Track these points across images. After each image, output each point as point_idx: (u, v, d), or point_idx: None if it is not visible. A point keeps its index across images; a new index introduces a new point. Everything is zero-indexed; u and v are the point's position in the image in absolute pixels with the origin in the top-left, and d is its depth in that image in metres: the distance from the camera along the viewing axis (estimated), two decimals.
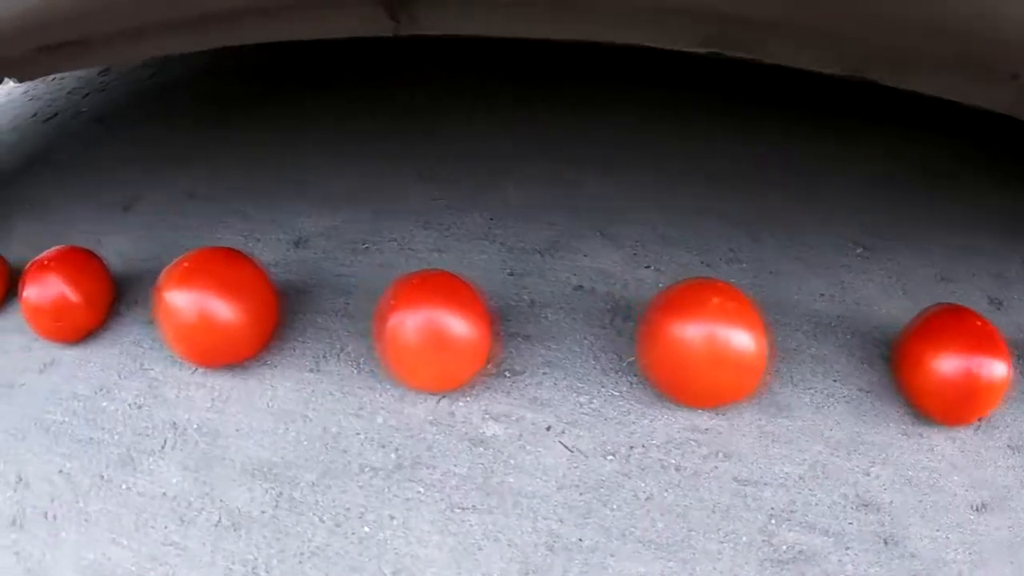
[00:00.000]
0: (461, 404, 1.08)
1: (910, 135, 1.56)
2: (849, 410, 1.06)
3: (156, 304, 1.11)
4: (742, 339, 0.97)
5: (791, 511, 0.97)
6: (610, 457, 1.03)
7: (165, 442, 1.10)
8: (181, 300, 1.09)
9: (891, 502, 0.98)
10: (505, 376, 1.10)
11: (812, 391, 1.08)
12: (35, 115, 2.12)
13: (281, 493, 1.02)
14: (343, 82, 1.83)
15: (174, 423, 1.12)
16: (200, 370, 1.14)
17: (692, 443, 1.03)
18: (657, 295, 1.08)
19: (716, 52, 0.91)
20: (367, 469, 1.03)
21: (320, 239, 1.33)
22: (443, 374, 1.06)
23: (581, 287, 1.22)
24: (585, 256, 1.28)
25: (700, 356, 0.98)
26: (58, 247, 1.28)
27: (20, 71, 1.30)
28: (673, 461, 1.02)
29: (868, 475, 1.00)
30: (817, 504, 0.97)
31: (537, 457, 1.03)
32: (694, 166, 1.42)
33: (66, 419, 1.15)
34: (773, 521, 0.96)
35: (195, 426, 1.11)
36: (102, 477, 1.08)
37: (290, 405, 1.11)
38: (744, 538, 0.95)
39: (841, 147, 1.53)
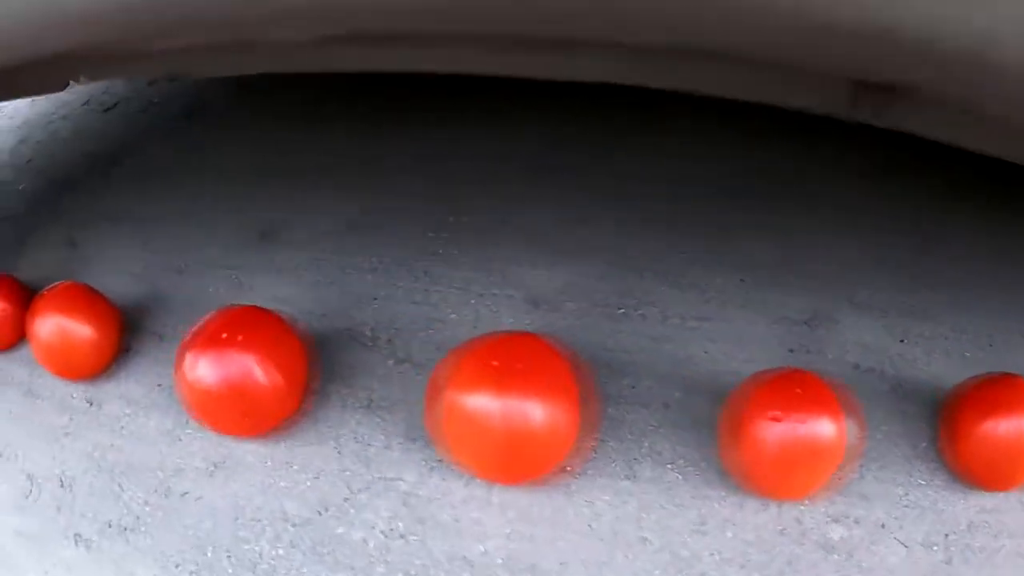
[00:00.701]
0: (802, 508, 0.97)
1: None
2: None
3: (435, 407, 0.83)
4: None
5: None
6: (934, 548, 1.00)
7: None
8: (487, 406, 0.81)
9: None
10: None
11: None
12: (87, 103, 1.77)
13: None
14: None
15: (466, 558, 0.85)
16: (471, 480, 0.88)
17: (985, 525, 1.04)
18: (958, 388, 1.05)
19: None
20: None
21: (561, 299, 1.10)
22: (808, 481, 0.95)
23: (857, 366, 1.15)
24: (842, 326, 1.19)
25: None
26: (228, 308, 0.95)
27: (96, 71, 0.94)
28: (977, 544, 1.02)
29: None
30: None
31: (882, 558, 0.97)
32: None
33: (278, 553, 0.84)
34: None
35: (499, 561, 0.86)
36: None
37: (620, 525, 0.91)
38: None
39: None
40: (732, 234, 1.26)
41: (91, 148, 1.58)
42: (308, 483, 0.89)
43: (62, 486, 0.99)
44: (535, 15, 0.57)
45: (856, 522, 0.99)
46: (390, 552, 0.82)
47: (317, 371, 0.94)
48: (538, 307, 1.08)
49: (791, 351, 1.13)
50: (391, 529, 0.84)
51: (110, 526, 0.92)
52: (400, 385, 0.95)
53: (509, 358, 0.84)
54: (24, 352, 1.19)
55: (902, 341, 1.16)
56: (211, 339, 0.87)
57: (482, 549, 0.85)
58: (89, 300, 1.03)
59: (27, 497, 1.00)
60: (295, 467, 0.91)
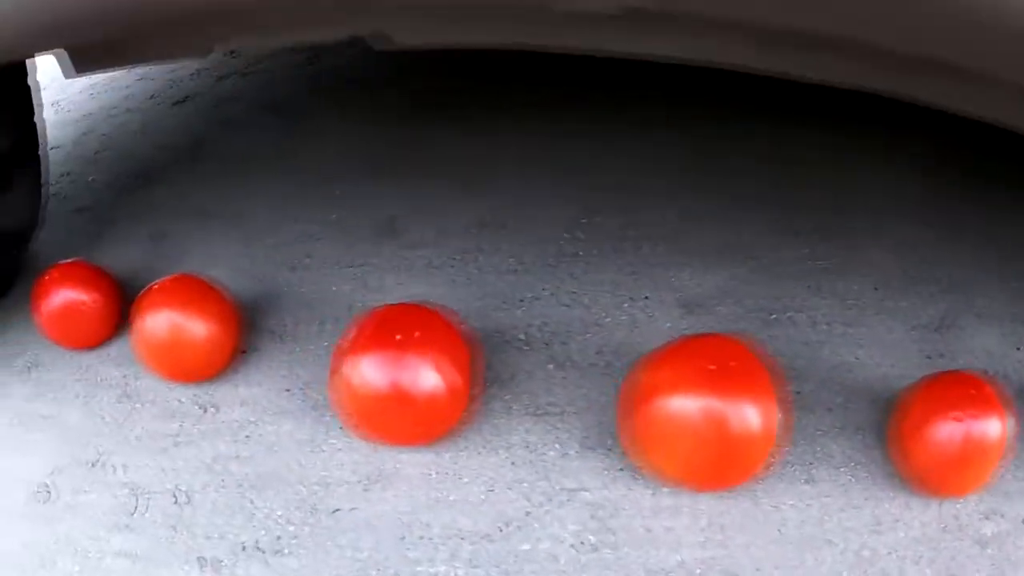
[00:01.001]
0: (957, 505, 0.93)
1: None
2: None
3: (638, 412, 0.76)
4: None
5: None
6: None
7: None
8: (704, 410, 0.75)
9: None
10: None
11: None
12: (152, 97, 1.70)
13: None
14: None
15: (663, 569, 0.77)
16: (657, 488, 0.81)
17: None
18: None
19: None
20: None
21: (712, 303, 1.04)
22: (974, 478, 0.92)
23: (985, 371, 1.10)
24: (966, 333, 1.15)
25: None
26: (389, 306, 0.86)
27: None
28: None
29: None
30: None
31: None
32: None
33: (458, 574, 0.76)
34: None
35: (697, 571, 0.79)
36: None
37: (805, 529, 0.86)
38: None
39: None
40: (858, 243, 1.24)
41: (166, 141, 1.49)
42: (482, 496, 0.80)
43: (176, 502, 0.87)
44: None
45: (1002, 517, 0.95)
46: (584, 567, 0.74)
47: (481, 375, 0.84)
48: (692, 312, 1.02)
49: (928, 357, 1.10)
50: (581, 543, 0.75)
51: (243, 548, 0.80)
52: (566, 390, 0.87)
53: (723, 360, 0.78)
54: (115, 350, 1.07)
55: (1018, 349, 1.14)
56: (381, 340, 0.77)
57: (679, 559, 0.78)
58: (207, 295, 0.92)
59: (132, 514, 0.88)
60: (464, 479, 0.82)
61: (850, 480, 0.93)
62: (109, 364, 1.08)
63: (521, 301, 0.99)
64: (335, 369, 0.81)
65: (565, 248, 1.06)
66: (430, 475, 0.82)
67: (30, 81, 1.07)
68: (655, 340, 0.87)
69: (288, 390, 0.94)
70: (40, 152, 1.14)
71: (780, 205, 1.23)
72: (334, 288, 1.06)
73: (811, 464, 0.93)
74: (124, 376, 1.05)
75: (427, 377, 0.78)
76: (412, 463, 0.84)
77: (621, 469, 0.79)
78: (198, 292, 0.93)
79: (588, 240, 1.07)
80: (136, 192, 1.39)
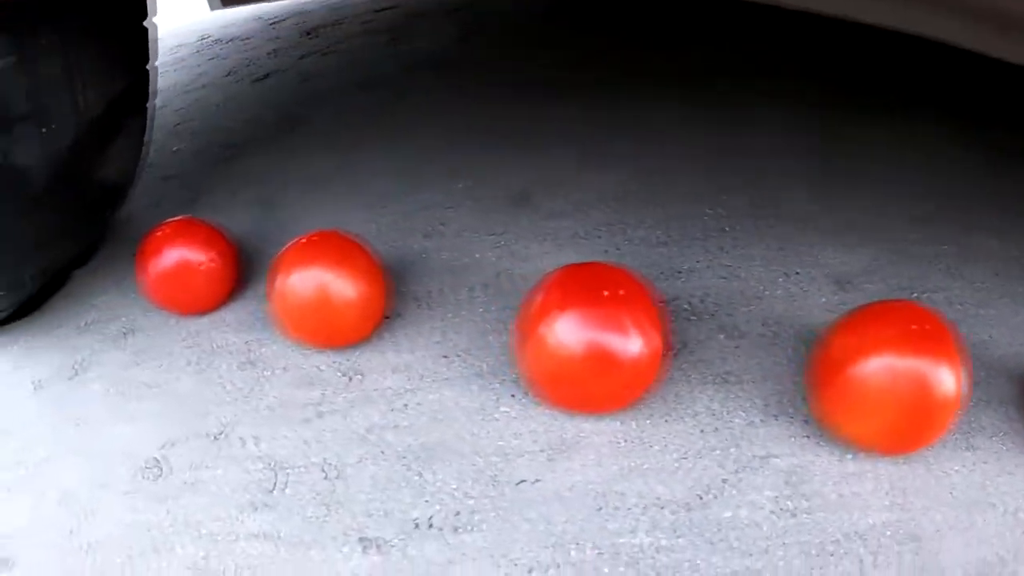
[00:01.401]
0: None
1: None
2: None
3: (831, 382, 0.73)
4: None
5: None
6: None
7: (862, 561, 0.71)
8: (916, 372, 0.71)
9: None
10: None
11: None
12: (229, 74, 1.65)
13: None
14: None
15: (857, 532, 0.72)
16: (843, 454, 0.77)
17: None
18: None
19: None
20: None
21: (861, 280, 1.00)
22: None
23: None
24: None
25: None
26: (577, 265, 0.79)
27: None
28: None
29: None
30: None
31: None
32: None
33: (662, 544, 0.70)
34: None
35: (887, 534, 0.74)
36: None
37: (972, 493, 0.82)
38: None
39: None
40: (975, 230, 1.22)
41: (253, 115, 1.41)
42: (676, 464, 0.74)
43: (327, 477, 0.76)
44: None
45: None
46: (785, 532, 0.69)
47: (671, 338, 0.77)
48: (843, 288, 0.98)
49: None
50: (781, 508, 0.71)
51: (416, 525, 0.70)
52: (739, 360, 0.83)
53: (919, 323, 0.75)
54: (230, 315, 0.97)
55: None
56: (585, 297, 0.69)
57: (870, 522, 0.74)
58: (357, 253, 0.84)
59: (271, 491, 0.77)
60: (654, 447, 0.75)
61: (1002, 448, 0.89)
62: (225, 330, 0.98)
63: (679, 273, 0.95)
64: (527, 331, 0.73)
65: (709, 223, 1.02)
66: (619, 443, 0.76)
67: (148, 23, 0.99)
68: (815, 313, 0.86)
69: (446, 356, 0.86)
70: (148, 104, 1.06)
71: (900, 189, 1.21)
72: (477, 255, 0.99)
73: (968, 433, 0.89)
74: (246, 342, 0.95)
75: (634, 338, 0.71)
76: (597, 431, 0.77)
77: (806, 436, 0.76)
78: (348, 250, 0.85)
79: (730, 216, 1.03)
80: (230, 162, 1.31)
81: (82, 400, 0.97)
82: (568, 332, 0.72)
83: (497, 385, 0.83)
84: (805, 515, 0.71)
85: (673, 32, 1.63)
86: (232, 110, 1.49)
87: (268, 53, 1.74)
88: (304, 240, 0.86)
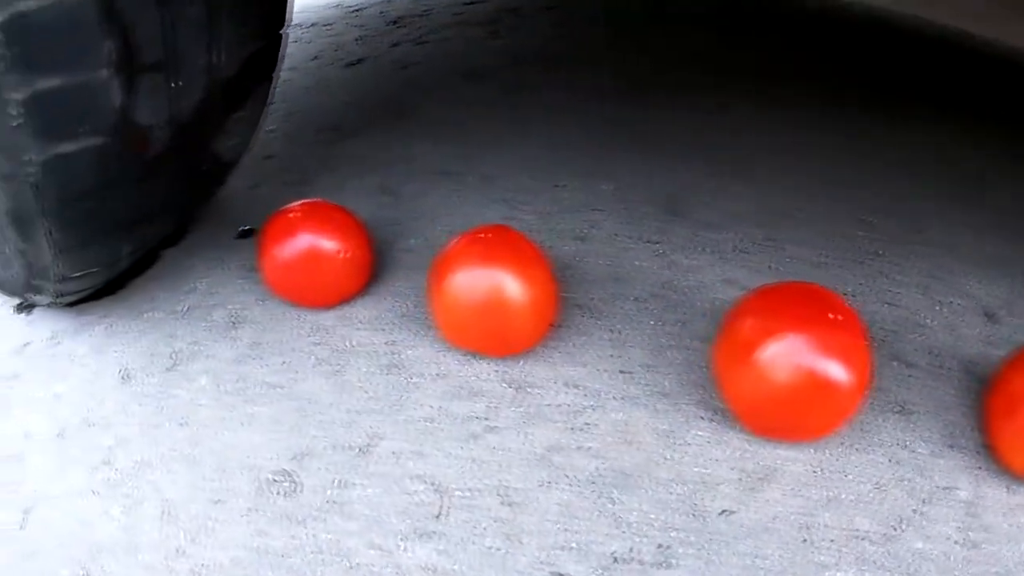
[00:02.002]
0: None
1: None
2: None
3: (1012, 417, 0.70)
4: None
5: None
6: None
7: None
8: None
9: None
10: None
11: None
12: (316, 58, 1.58)
13: None
14: None
15: None
16: (1012, 485, 0.73)
17: None
18: None
19: None
20: None
21: (1003, 312, 0.94)
22: None
23: None
24: None
25: None
26: (780, 285, 0.76)
27: None
28: None
29: None
30: None
31: None
32: None
33: None
34: None
35: None
36: None
37: None
38: None
39: None
40: None
41: (351, 99, 1.33)
42: (871, 494, 0.70)
43: (506, 503, 0.67)
44: None
45: None
46: (969, 562, 0.67)
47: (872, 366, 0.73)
48: (993, 319, 0.93)
49: None
50: (965, 539, 0.69)
51: (616, 560, 0.63)
52: (915, 389, 0.79)
53: None
54: (364, 312, 0.89)
55: None
56: (802, 324, 0.66)
57: None
58: (532, 254, 0.76)
59: (437, 516, 0.68)
60: (850, 476, 0.71)
61: None
62: (360, 328, 0.89)
63: (844, 294, 0.90)
64: (736, 357, 0.66)
65: (863, 245, 0.98)
66: (816, 472, 0.71)
67: None
68: (973, 344, 0.84)
69: (626, 372, 0.78)
70: (275, 72, 0.97)
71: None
72: (637, 263, 0.91)
73: None
74: (387, 343, 0.85)
75: (852, 366, 0.67)
76: (794, 459, 0.72)
77: (979, 467, 0.74)
78: (523, 249, 0.76)
79: (882, 239, 1.00)
80: (332, 145, 1.22)
81: (186, 397, 0.87)
82: (789, 358, 0.66)
83: (684, 406, 0.76)
84: (987, 545, 0.69)
85: (782, 36, 1.58)
86: (325, 94, 1.41)
87: (355, 39, 1.67)
88: (474, 236, 0.77)
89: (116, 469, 0.82)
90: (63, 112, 0.71)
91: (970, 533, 0.69)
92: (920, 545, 0.67)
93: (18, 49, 0.64)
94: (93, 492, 0.80)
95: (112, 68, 0.71)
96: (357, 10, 2.00)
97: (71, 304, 1.02)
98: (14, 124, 0.69)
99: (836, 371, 0.67)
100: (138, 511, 0.77)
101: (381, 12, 1.94)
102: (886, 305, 0.90)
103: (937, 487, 0.71)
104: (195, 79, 0.82)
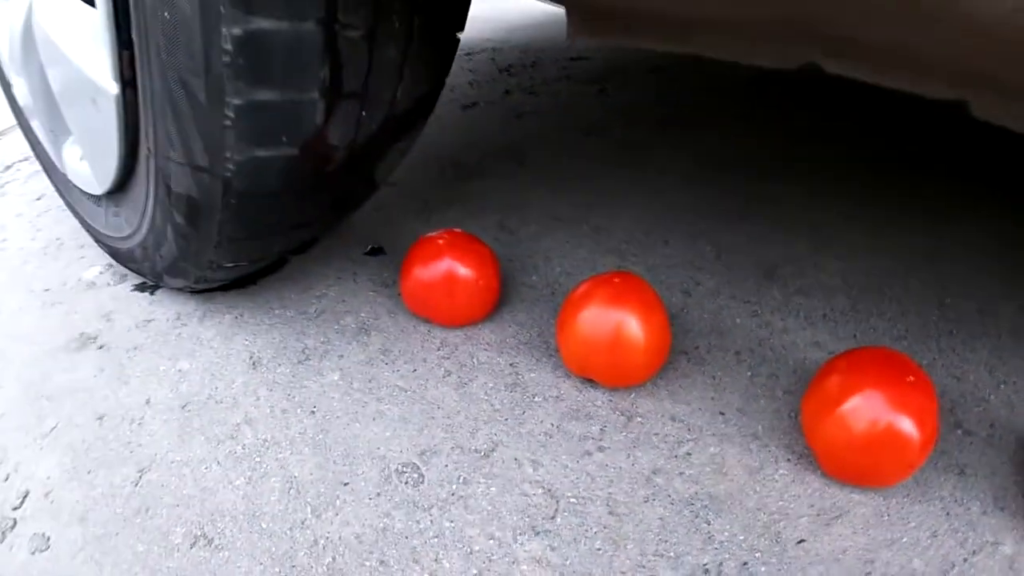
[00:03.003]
0: None
1: None
2: None
3: None
4: None
5: None
6: None
7: None
8: None
9: None
10: None
11: None
12: None
13: None
14: None
15: None
16: None
17: None
18: None
19: None
20: None
21: None
22: None
23: None
24: None
25: None
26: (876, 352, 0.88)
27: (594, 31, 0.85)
28: None
29: None
30: None
31: None
32: None
33: None
34: None
35: None
36: None
37: None
38: None
39: None
40: None
41: (469, 140, 1.50)
42: (928, 541, 0.81)
43: (612, 512, 0.80)
44: None
45: None
46: None
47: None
48: None
49: None
50: None
51: (707, 571, 0.75)
52: (974, 454, 0.91)
53: None
54: (489, 333, 1.04)
55: None
56: (882, 383, 0.80)
57: None
58: (651, 298, 0.91)
59: (552, 517, 0.82)
60: (911, 523, 0.82)
61: None
62: (486, 348, 1.03)
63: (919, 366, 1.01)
64: (821, 407, 0.81)
65: (940, 324, 1.11)
66: (882, 516, 0.83)
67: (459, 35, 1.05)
68: None
69: (723, 414, 0.91)
70: (430, 114, 1.14)
71: None
72: (736, 320, 1.05)
73: None
74: (511, 364, 1.00)
75: (920, 424, 0.79)
76: (863, 502, 0.84)
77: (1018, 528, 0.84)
78: (647, 295, 0.91)
79: (956, 320, 1.12)
80: (454, 181, 1.39)
81: (316, 388, 1.01)
82: (866, 411, 0.79)
83: (772, 447, 0.88)
84: None
85: (871, 117, 1.72)
86: (444, 132, 1.58)
87: (468, 82, 1.85)
88: (605, 278, 0.92)
89: (242, 445, 0.94)
90: (270, 122, 0.84)
91: None
92: None
93: (247, 61, 0.77)
94: (217, 462, 0.92)
95: (321, 91, 0.84)
96: (468, 53, 2.21)
97: (199, 291, 1.16)
98: (225, 124, 0.81)
99: (906, 426, 0.79)
100: (262, 484, 0.89)
101: (492, 58, 2.14)
102: (954, 379, 1.02)
103: (985, 541, 0.82)
104: (378, 111, 0.96)
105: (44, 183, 1.96)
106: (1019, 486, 0.88)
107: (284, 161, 0.89)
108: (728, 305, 1.09)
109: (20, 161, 2.31)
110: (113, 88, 0.95)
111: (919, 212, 1.39)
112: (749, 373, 0.98)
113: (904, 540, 0.81)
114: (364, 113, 0.94)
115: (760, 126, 1.70)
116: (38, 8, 1.05)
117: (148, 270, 1.14)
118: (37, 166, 2.17)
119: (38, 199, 1.85)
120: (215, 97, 0.80)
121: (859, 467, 0.83)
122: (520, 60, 2.13)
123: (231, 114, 0.80)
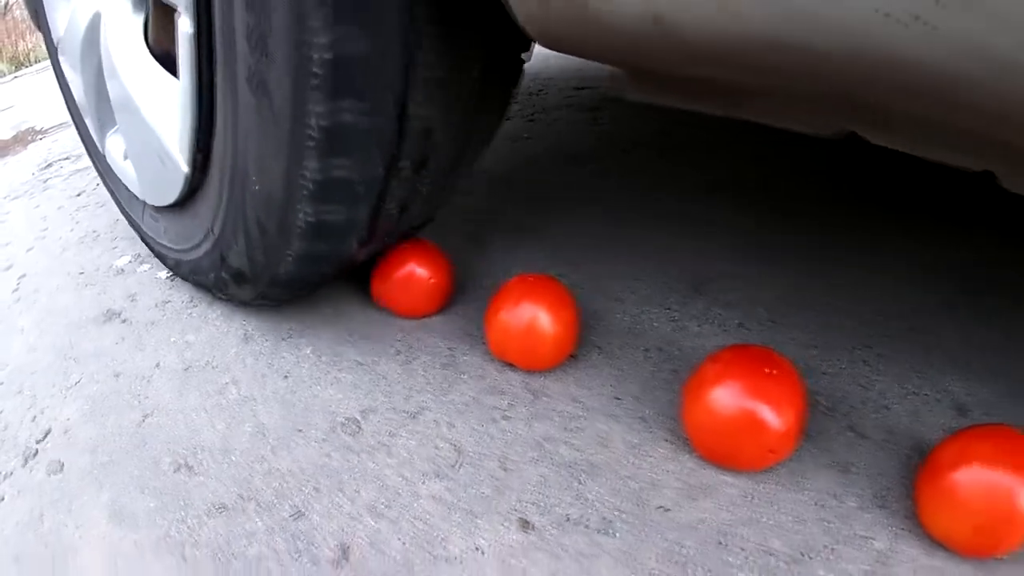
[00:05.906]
0: None
1: None
2: None
3: (938, 483, 0.92)
4: None
5: None
6: None
7: None
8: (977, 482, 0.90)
9: None
10: None
11: None
12: None
13: None
14: None
15: None
16: (933, 549, 0.94)
17: None
18: None
19: None
20: None
21: (979, 412, 1.16)
22: None
23: None
24: None
25: None
26: None
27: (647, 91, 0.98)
28: None
29: None
30: None
31: None
32: None
33: None
34: None
35: None
36: None
37: None
38: None
39: None
40: None
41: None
42: (791, 526, 0.97)
43: (503, 467, 1.09)
44: None
45: None
46: None
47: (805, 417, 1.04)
48: (963, 414, 1.16)
49: None
50: None
51: (568, 520, 1.00)
52: (863, 455, 1.06)
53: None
54: (438, 324, 1.36)
55: None
56: (744, 372, 1.03)
57: None
58: (563, 299, 1.20)
59: (453, 466, 1.10)
60: (776, 507, 1.00)
61: None
62: (432, 334, 1.35)
63: (824, 373, 1.21)
64: (693, 395, 1.04)
65: (859, 337, 1.29)
66: (747, 497, 1.01)
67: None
68: (932, 431, 1.08)
69: (619, 399, 1.17)
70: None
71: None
72: (655, 324, 1.32)
73: None
74: (449, 348, 1.31)
75: (781, 413, 0.98)
76: (733, 484, 1.03)
77: (903, 528, 0.96)
78: (559, 294, 1.20)
79: (880, 336, 1.29)
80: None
81: (292, 359, 1.36)
82: (728, 399, 1.01)
83: (656, 430, 1.12)
84: None
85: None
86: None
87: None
88: (524, 277, 1.23)
89: (227, 399, 1.31)
90: (348, 140, 0.95)
91: None
92: (821, 573, 0.93)
93: (330, 78, 0.86)
94: (205, 411, 1.29)
95: (394, 115, 0.95)
96: None
97: (243, 302, 1.50)
98: (309, 144, 0.93)
99: (764, 413, 0.99)
100: (237, 428, 1.24)
101: None
102: (859, 387, 1.19)
103: (855, 534, 0.96)
104: (442, 166, 1.21)
105: (84, 180, 2.46)
106: (907, 488, 1.01)
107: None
108: (649, 312, 1.36)
109: (61, 160, 2.87)
110: (184, 168, 1.20)
111: (868, 238, 1.59)
112: (652, 368, 1.25)
113: (766, 521, 1.00)
114: (434, 145, 1.13)
115: (733, 155, 1.97)
116: (108, 26, 1.25)
117: (211, 282, 1.42)
118: (78, 164, 2.70)
119: (78, 195, 2.36)
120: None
121: (722, 448, 1.05)
122: (527, 87, 2.48)
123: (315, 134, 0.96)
